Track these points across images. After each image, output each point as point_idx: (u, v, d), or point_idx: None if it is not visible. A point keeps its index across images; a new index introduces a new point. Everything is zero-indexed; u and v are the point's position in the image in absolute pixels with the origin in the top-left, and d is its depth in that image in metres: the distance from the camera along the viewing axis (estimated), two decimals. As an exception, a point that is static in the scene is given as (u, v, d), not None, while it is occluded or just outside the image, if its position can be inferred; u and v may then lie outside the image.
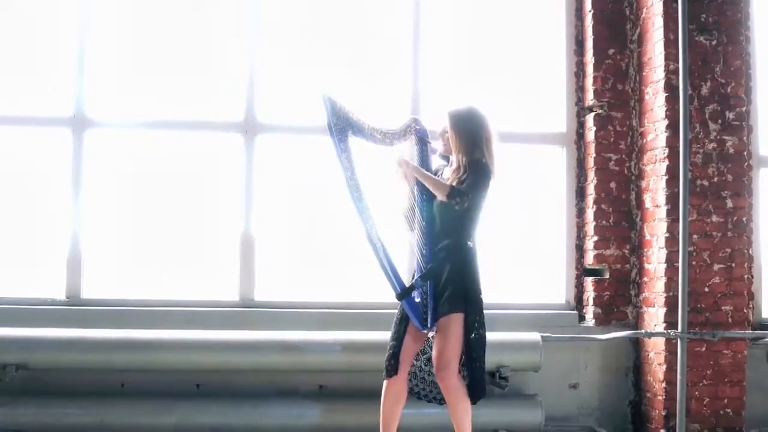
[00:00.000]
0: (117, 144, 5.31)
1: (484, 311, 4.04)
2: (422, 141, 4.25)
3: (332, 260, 5.34)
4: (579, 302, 5.52)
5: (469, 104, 4.22)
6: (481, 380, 4.07)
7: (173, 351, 4.80)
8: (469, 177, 4.03)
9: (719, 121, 5.14)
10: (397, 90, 5.42)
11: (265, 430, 4.82)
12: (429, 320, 3.99)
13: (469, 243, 4.10)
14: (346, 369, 4.80)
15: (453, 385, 4.03)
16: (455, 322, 4.01)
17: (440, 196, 4.04)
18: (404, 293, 3.82)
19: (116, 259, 5.28)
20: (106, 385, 4.92)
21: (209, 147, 5.37)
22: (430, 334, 4.08)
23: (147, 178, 5.31)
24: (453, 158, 4.18)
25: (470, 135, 4.10)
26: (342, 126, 3.97)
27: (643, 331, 5.22)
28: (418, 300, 4.01)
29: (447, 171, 4.23)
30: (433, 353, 4.07)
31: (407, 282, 4.09)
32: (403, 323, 4.13)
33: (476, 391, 4.07)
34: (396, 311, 4.19)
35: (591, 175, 5.45)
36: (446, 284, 4.04)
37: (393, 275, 3.82)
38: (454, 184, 4.03)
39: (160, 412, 4.79)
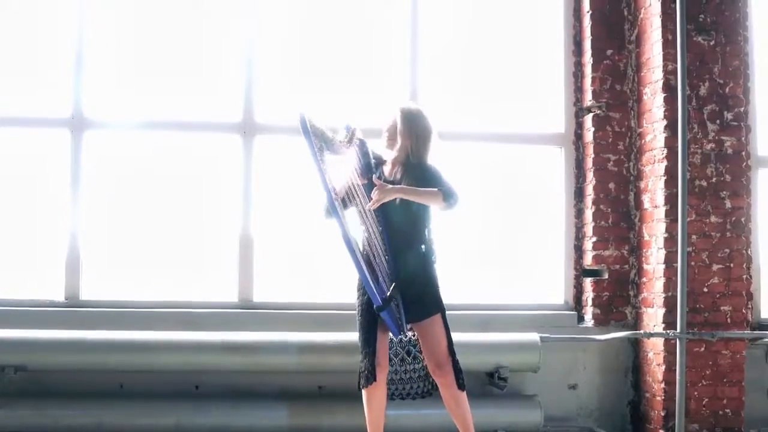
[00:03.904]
0: (116, 145, 5.30)
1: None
2: (363, 144, 4.22)
3: (331, 261, 5.33)
4: (578, 303, 5.52)
5: (419, 105, 4.32)
6: (462, 377, 4.17)
7: (172, 352, 4.80)
8: (440, 178, 4.13)
9: (717, 121, 5.14)
10: (395, 90, 5.41)
11: (264, 430, 4.81)
12: (403, 326, 4.02)
13: (429, 245, 4.18)
14: (345, 370, 4.79)
15: (453, 381, 4.12)
16: (438, 321, 4.13)
17: (437, 204, 4.08)
18: (385, 304, 3.82)
19: (115, 260, 5.28)
20: (105, 386, 4.92)
21: (208, 148, 5.37)
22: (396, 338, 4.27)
23: (146, 178, 5.30)
24: (393, 154, 4.23)
25: (421, 137, 4.20)
26: (318, 140, 3.86)
27: (642, 331, 5.22)
28: (392, 309, 3.96)
29: (386, 169, 4.29)
30: (428, 355, 4.15)
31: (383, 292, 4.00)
32: (372, 328, 4.12)
33: (463, 383, 4.17)
34: (355, 314, 4.21)
35: (590, 176, 5.46)
36: (420, 288, 4.09)
37: (374, 286, 3.80)
38: (404, 182, 4.12)
39: (159, 413, 4.78)
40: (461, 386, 4.14)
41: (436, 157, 4.25)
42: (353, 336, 4.74)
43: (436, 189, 4.08)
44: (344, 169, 4.05)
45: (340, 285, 5.25)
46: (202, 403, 4.87)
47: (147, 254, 5.29)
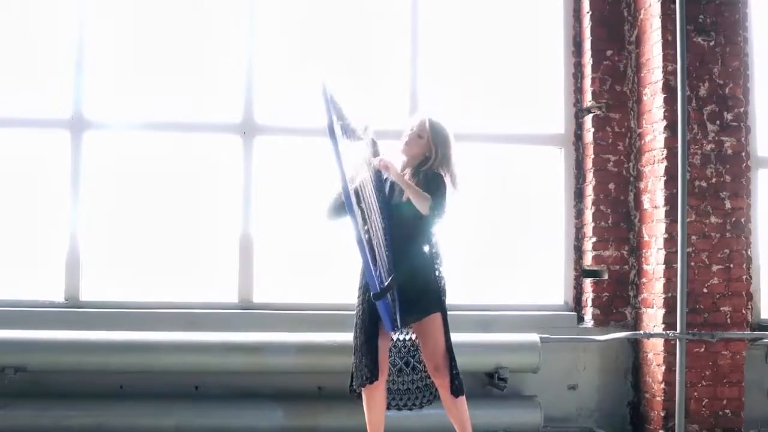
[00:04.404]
0: (115, 145, 5.30)
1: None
2: (375, 144, 4.22)
3: (331, 262, 5.33)
4: (578, 303, 5.52)
5: (445, 120, 4.28)
6: (460, 376, 4.15)
7: (172, 353, 4.80)
8: (438, 190, 4.09)
9: (717, 121, 5.15)
10: (395, 90, 5.42)
11: (265, 431, 4.81)
12: (398, 321, 3.98)
13: (433, 246, 4.17)
14: (344, 370, 4.78)
15: (449, 384, 4.10)
16: (437, 321, 4.11)
17: (422, 207, 4.02)
18: (382, 293, 3.82)
19: (115, 260, 5.28)
20: (105, 387, 4.92)
21: (208, 148, 5.37)
22: (395, 337, 4.28)
23: (145, 179, 5.30)
24: (407, 157, 4.22)
25: (441, 148, 4.18)
26: (338, 120, 3.85)
27: (641, 332, 5.22)
28: (387, 301, 3.93)
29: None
30: (427, 357, 4.14)
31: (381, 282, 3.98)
32: (372, 327, 4.11)
33: (461, 387, 4.14)
34: (354, 315, 4.21)
35: (589, 177, 5.46)
36: (420, 287, 4.08)
37: (377, 276, 3.80)
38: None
39: (159, 413, 4.79)
40: (453, 391, 4.11)
41: (454, 170, 4.22)
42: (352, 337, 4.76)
43: (427, 195, 4.04)
44: (355, 158, 4.02)
45: (340, 286, 5.26)
46: (202, 404, 4.88)
47: (147, 255, 5.29)
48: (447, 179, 4.18)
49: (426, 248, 4.16)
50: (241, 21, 5.36)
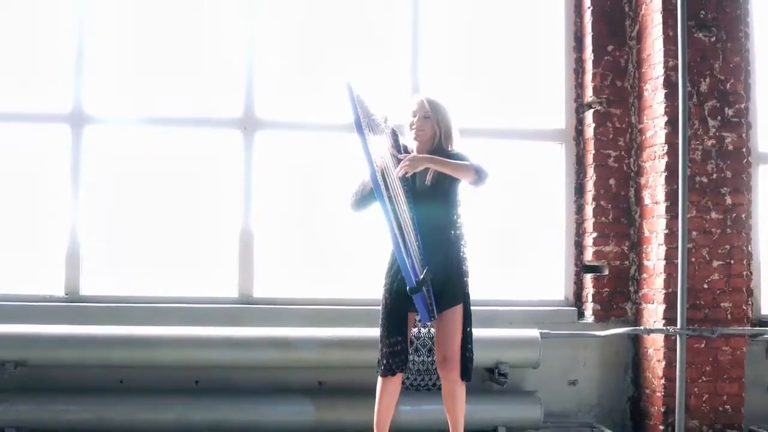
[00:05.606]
0: (115, 140, 5.30)
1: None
2: (395, 134, 4.22)
3: (331, 257, 5.34)
4: (578, 299, 5.52)
5: (439, 94, 4.28)
6: (470, 369, 4.14)
7: (172, 347, 4.79)
8: (467, 157, 4.10)
9: (718, 117, 5.14)
10: (395, 85, 5.41)
11: (264, 426, 4.82)
12: (434, 312, 3.96)
13: (458, 233, 4.15)
14: (344, 365, 4.80)
15: (458, 377, 4.09)
16: (458, 313, 4.09)
17: (468, 177, 4.03)
18: (418, 287, 3.80)
19: (115, 255, 5.28)
20: (105, 381, 4.93)
21: (208, 143, 5.37)
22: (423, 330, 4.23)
23: (146, 174, 5.30)
24: (420, 143, 4.18)
25: (445, 125, 4.19)
26: (363, 116, 3.84)
27: (642, 327, 5.22)
28: (423, 293, 3.90)
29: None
30: (439, 346, 4.11)
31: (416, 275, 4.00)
32: (402, 317, 4.10)
33: (469, 373, 4.14)
34: (379, 306, 4.19)
35: (590, 172, 5.45)
36: (446, 276, 4.06)
37: (411, 268, 3.75)
38: (430, 177, 4.08)
39: (159, 408, 4.79)
40: (464, 375, 4.10)
41: (461, 145, 4.23)
42: (354, 331, 4.76)
43: (467, 162, 4.05)
44: (380, 152, 4.03)
45: (341, 281, 5.28)
46: (202, 399, 4.88)
47: (147, 249, 5.29)
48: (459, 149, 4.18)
49: (453, 233, 4.13)
50: (241, 15, 5.35)
